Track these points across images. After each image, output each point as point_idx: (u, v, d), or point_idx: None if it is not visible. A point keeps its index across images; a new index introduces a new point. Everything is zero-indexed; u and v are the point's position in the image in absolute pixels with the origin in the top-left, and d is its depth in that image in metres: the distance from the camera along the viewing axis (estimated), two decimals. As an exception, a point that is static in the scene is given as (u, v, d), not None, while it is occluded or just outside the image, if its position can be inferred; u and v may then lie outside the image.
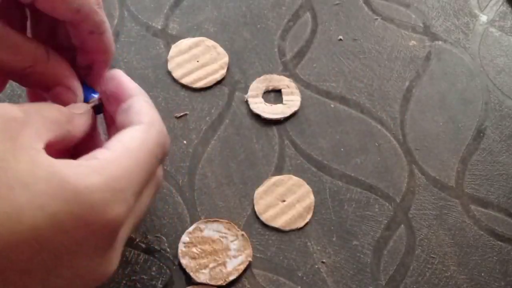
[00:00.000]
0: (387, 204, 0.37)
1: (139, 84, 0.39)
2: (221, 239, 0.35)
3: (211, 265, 0.34)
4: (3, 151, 0.21)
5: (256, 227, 0.36)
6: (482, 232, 0.37)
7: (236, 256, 0.34)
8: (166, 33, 0.42)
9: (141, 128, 0.26)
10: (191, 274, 0.34)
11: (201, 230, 0.35)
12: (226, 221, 0.35)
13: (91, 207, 0.22)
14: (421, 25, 0.44)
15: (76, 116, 0.26)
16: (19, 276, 0.22)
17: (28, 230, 0.21)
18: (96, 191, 0.22)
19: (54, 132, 0.24)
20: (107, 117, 0.30)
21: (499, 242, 0.37)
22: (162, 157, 0.27)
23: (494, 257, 0.36)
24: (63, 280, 0.23)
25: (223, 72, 0.40)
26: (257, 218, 0.36)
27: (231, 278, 0.34)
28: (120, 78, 0.29)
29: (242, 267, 0.34)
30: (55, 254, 0.22)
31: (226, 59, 0.41)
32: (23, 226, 0.20)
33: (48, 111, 0.24)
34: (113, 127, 0.29)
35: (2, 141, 0.21)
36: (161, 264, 0.34)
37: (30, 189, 0.21)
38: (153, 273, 0.34)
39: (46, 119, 0.24)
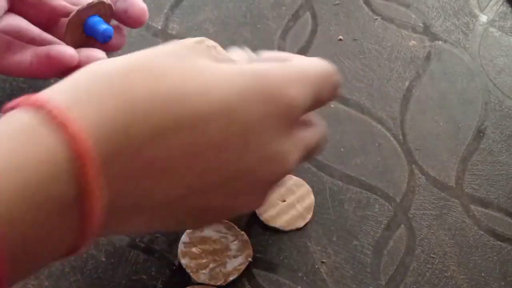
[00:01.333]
0: (387, 204, 0.37)
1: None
2: (221, 239, 0.35)
3: (211, 265, 0.34)
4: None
5: (256, 227, 0.36)
6: (482, 232, 0.37)
7: (236, 256, 0.34)
8: (166, 33, 0.42)
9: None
10: (191, 274, 0.34)
11: (201, 230, 0.35)
12: (226, 221, 0.35)
13: (272, 84, 0.24)
14: (421, 25, 0.44)
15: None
16: (216, 153, 0.23)
17: (218, 103, 0.22)
18: (275, 74, 0.25)
19: None
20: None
21: (499, 242, 0.37)
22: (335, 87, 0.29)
23: (494, 257, 0.36)
24: (252, 163, 0.24)
25: (223, 72, 0.40)
26: (257, 218, 0.36)
27: (231, 278, 0.34)
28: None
29: (242, 267, 0.34)
30: (244, 128, 0.23)
31: (226, 59, 0.41)
32: (213, 99, 0.22)
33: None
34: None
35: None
36: (161, 264, 0.34)
37: (217, 70, 0.23)
38: (153, 273, 0.34)
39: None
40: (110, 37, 0.32)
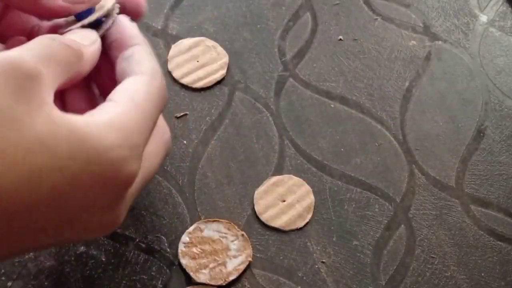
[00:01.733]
0: (387, 204, 0.37)
1: (139, 84, 0.40)
2: (221, 239, 0.35)
3: (211, 265, 0.34)
4: (21, 113, 0.20)
5: (256, 227, 0.36)
6: (482, 232, 0.37)
7: (236, 256, 0.34)
8: (166, 33, 0.42)
9: (144, 79, 0.25)
10: (191, 274, 0.34)
11: (201, 230, 0.35)
12: (226, 221, 0.35)
13: (111, 165, 0.22)
14: (421, 25, 0.44)
15: (85, 50, 0.25)
16: (35, 234, 0.22)
17: (48, 192, 0.21)
18: (114, 148, 0.22)
19: (65, 76, 0.23)
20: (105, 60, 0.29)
21: (499, 242, 0.37)
22: (162, 110, 0.27)
23: (494, 257, 0.36)
24: (74, 234, 0.23)
25: (223, 72, 0.40)
26: (257, 218, 0.36)
27: (231, 278, 0.34)
28: (124, 24, 0.28)
29: (242, 267, 0.34)
30: (71, 212, 0.22)
31: (226, 59, 0.41)
32: (43, 188, 0.20)
33: (60, 52, 0.23)
34: (111, 72, 0.28)
35: (18, 102, 0.20)
36: (161, 264, 0.34)
37: (49, 150, 0.20)
38: (153, 273, 0.34)
39: (58, 65, 0.23)
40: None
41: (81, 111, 0.24)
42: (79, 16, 0.27)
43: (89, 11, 0.28)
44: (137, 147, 0.23)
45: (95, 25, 0.27)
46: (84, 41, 0.26)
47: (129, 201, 0.25)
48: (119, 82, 0.26)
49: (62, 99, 0.27)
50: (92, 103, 0.28)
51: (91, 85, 0.29)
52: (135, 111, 0.23)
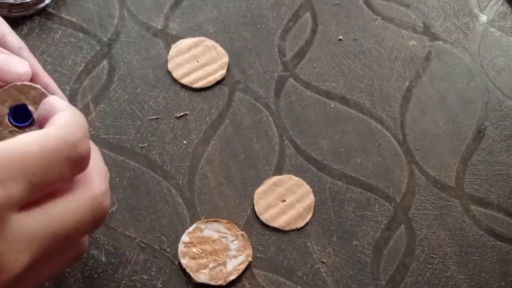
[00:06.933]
0: (387, 204, 0.37)
1: (139, 84, 0.40)
2: (221, 239, 0.35)
3: (211, 265, 0.34)
4: None
5: (256, 227, 0.36)
6: (482, 232, 0.37)
7: (236, 256, 0.34)
8: (166, 33, 0.42)
9: (51, 129, 0.23)
10: (191, 274, 0.34)
11: (201, 230, 0.35)
12: (226, 221, 0.35)
13: None
14: (421, 25, 0.44)
15: None
16: None
17: None
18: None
19: None
20: None
21: (499, 242, 0.37)
22: (74, 162, 0.23)
23: (494, 257, 0.36)
24: None
25: (223, 72, 0.40)
26: (257, 218, 0.36)
27: (231, 278, 0.34)
28: (52, 102, 0.26)
29: (242, 267, 0.34)
30: None
31: (226, 59, 0.41)
32: None
33: None
34: None
35: None
36: (161, 264, 0.34)
37: None
38: (153, 273, 0.34)
39: None
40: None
41: None
42: (14, 117, 0.28)
43: (25, 112, 0.28)
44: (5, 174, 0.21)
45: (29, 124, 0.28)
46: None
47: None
48: None
49: None
50: None
51: None
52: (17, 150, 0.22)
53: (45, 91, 0.28)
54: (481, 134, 0.40)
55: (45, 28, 0.41)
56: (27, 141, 0.22)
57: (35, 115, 0.28)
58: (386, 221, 0.37)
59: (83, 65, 0.40)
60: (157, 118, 0.39)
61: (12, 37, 0.30)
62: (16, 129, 0.28)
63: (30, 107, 0.28)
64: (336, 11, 0.44)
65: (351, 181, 0.38)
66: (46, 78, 0.30)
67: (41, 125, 0.26)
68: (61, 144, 0.23)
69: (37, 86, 0.28)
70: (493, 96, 0.42)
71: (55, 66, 0.40)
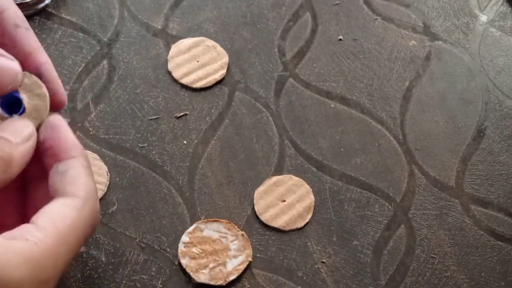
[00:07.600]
0: (387, 204, 0.37)
1: (139, 84, 0.40)
2: (221, 239, 0.35)
3: (211, 265, 0.34)
4: None
5: (256, 227, 0.36)
6: (482, 232, 0.37)
7: (236, 256, 0.34)
8: (166, 33, 0.42)
9: (75, 205, 0.24)
10: (191, 274, 0.34)
11: (201, 230, 0.35)
12: (226, 221, 0.35)
13: None
14: (421, 25, 0.44)
15: (15, 153, 0.23)
16: None
17: None
18: (24, 284, 0.21)
19: None
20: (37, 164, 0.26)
21: (499, 242, 0.37)
22: (91, 236, 0.25)
23: (494, 257, 0.36)
24: None
25: (223, 72, 0.40)
26: (257, 218, 0.36)
27: (231, 278, 0.34)
28: (61, 131, 0.26)
29: (242, 267, 0.34)
30: None
31: (226, 59, 0.41)
32: None
33: None
34: (43, 180, 0.26)
35: None
36: (161, 264, 0.34)
37: None
38: (153, 273, 0.34)
39: None
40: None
41: (6, 216, 0.23)
42: (5, 106, 0.26)
43: (17, 101, 0.26)
44: (47, 282, 0.22)
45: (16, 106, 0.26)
46: (16, 138, 0.24)
47: None
48: (51, 195, 0.24)
49: None
50: (21, 205, 0.27)
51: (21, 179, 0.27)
52: (56, 243, 0.22)
53: (38, 80, 0.27)
54: (481, 134, 0.40)
55: (45, 28, 0.41)
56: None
57: (25, 104, 0.26)
58: (386, 221, 0.37)
59: (83, 65, 0.40)
60: (157, 118, 0.39)
61: (8, 14, 0.27)
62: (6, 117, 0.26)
63: (23, 95, 0.26)
64: (336, 11, 0.44)
65: (351, 181, 0.38)
66: (40, 56, 0.27)
67: (43, 145, 0.25)
68: (89, 229, 0.25)
69: (31, 74, 0.27)
70: (493, 96, 0.42)
71: (55, 66, 0.39)
